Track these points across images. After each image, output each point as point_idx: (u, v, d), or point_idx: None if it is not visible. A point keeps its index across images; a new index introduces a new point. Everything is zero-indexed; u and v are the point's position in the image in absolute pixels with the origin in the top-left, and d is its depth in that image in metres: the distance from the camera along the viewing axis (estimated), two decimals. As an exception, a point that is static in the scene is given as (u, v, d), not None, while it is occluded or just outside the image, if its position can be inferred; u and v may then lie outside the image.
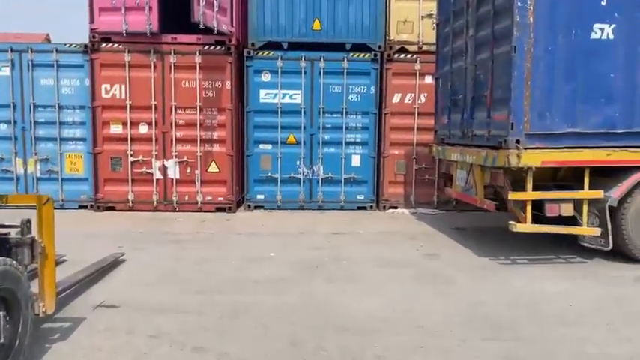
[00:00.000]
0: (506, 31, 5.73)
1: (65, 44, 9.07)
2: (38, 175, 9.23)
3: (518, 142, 5.59)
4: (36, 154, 9.17)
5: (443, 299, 4.79)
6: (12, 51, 8.95)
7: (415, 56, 9.44)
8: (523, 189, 5.74)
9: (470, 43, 6.68)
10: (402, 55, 9.47)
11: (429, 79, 9.46)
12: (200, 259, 6.02)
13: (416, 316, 4.34)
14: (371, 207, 9.65)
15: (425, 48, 9.40)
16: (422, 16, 9.35)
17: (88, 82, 9.01)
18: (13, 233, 3.43)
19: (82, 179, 9.27)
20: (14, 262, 3.07)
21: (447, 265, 5.94)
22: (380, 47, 9.38)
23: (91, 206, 9.19)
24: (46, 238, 3.47)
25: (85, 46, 8.94)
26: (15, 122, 9.10)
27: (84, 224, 8.08)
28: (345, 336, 3.92)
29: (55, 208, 8.77)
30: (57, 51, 9.00)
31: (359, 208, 9.63)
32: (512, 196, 5.75)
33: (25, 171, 9.22)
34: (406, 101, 9.55)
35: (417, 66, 9.42)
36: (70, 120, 9.20)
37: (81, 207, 9.26)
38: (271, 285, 5.06)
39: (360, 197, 9.69)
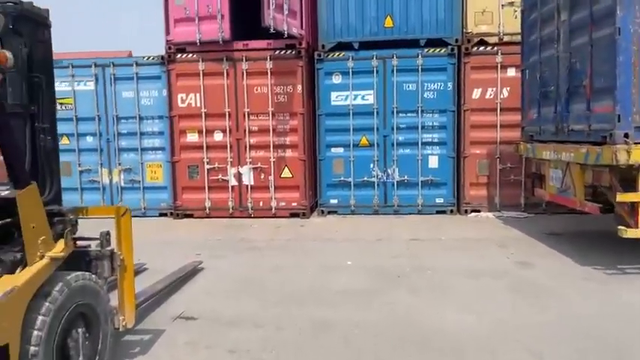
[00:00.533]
0: (608, 11, 5.09)
1: (144, 57, 9.37)
2: (122, 184, 9.59)
3: (626, 135, 4.93)
4: (119, 164, 9.54)
5: (544, 315, 4.28)
6: (95, 66, 9.38)
7: (496, 48, 8.82)
8: (633, 189, 5.05)
9: (562, 28, 6.04)
10: (482, 48, 8.88)
11: (512, 72, 8.81)
12: (276, 267, 5.87)
13: (514, 334, 3.88)
14: (451, 211, 9.12)
15: (506, 39, 8.78)
16: (502, 5, 8.73)
17: (165, 92, 9.24)
18: (93, 246, 3.40)
19: (161, 187, 9.52)
20: (93, 276, 3.03)
21: (545, 275, 5.36)
22: (457, 41, 8.86)
23: (171, 214, 9.41)
24: (125, 250, 3.43)
25: (162, 57, 9.18)
26: (100, 134, 9.52)
27: (163, 232, 8.26)
28: (434, 355, 3.55)
29: (137, 216, 9.08)
30: (136, 64, 9.32)
31: (438, 212, 9.13)
32: (622, 197, 5.07)
33: (110, 181, 9.62)
34: (487, 97, 8.93)
35: (499, 58, 8.79)
36: (149, 130, 9.49)
37: (161, 214, 9.51)
38: (351, 297, 4.78)
39: (439, 200, 9.18)
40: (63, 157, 9.62)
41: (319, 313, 4.41)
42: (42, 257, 2.68)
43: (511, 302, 4.60)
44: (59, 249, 2.82)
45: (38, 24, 3.07)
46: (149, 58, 9.36)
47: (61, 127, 9.48)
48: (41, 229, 2.72)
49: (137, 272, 5.67)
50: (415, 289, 4.96)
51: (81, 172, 9.59)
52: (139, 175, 9.51)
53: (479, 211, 9.08)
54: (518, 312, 4.36)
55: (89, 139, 9.59)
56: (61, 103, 9.50)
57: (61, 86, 9.45)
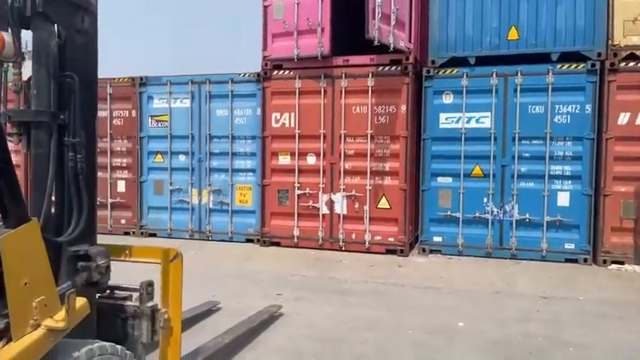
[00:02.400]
0: None
1: (239, 74, 8.94)
2: (211, 206, 9.15)
3: None
4: (210, 184, 9.12)
5: None
6: (192, 83, 9.11)
7: (651, 63, 7.15)
8: None
9: None
10: (632, 64, 7.24)
11: (672, 93, 7.08)
12: (369, 322, 4.81)
13: None
14: (585, 260, 7.43)
15: (665, 52, 7.09)
16: (661, 11, 7.08)
17: (259, 111, 8.69)
18: (133, 299, 2.62)
19: (250, 211, 8.93)
20: (118, 347, 2.21)
21: None
22: (599, 55, 7.31)
23: (257, 240, 8.76)
24: (172, 307, 2.60)
25: (258, 74, 8.67)
26: (192, 153, 9.20)
27: (247, 261, 7.57)
28: None
29: (224, 241, 8.58)
30: (232, 81, 8.90)
31: (567, 261, 7.50)
32: None
33: (199, 202, 9.22)
34: (638, 122, 7.24)
35: (655, 76, 7.10)
36: (241, 150, 8.99)
37: (248, 240, 8.90)
38: (467, 380, 3.58)
39: (570, 246, 7.55)
40: (156, 175, 9.62)
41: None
42: (36, 327, 1.91)
43: None
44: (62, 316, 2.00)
45: (78, 8, 2.40)
46: (245, 75, 8.90)
47: (157, 145, 9.50)
48: (40, 285, 1.95)
49: (210, 312, 4.98)
50: (558, 378, 3.63)
51: (172, 191, 9.32)
52: (228, 198, 9.00)
53: (622, 262, 7.31)
54: None
55: (182, 157, 9.30)
56: (157, 120, 9.38)
57: (159, 103, 9.36)
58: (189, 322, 4.57)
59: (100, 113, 9.69)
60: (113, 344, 2.19)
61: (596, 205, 7.42)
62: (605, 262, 7.35)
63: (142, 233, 9.48)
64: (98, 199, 9.40)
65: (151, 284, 2.58)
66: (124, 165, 9.66)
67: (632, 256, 7.30)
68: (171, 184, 9.30)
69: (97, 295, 2.57)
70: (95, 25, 2.51)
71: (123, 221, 9.67)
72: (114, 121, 9.68)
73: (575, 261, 7.45)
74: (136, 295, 2.60)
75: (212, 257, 7.82)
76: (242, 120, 8.93)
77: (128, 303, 2.58)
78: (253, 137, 8.84)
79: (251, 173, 8.93)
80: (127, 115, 9.59)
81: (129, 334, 2.53)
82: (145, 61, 10.21)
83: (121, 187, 9.67)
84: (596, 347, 4.22)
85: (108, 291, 2.65)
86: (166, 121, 9.31)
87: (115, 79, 9.70)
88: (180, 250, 2.61)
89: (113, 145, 9.71)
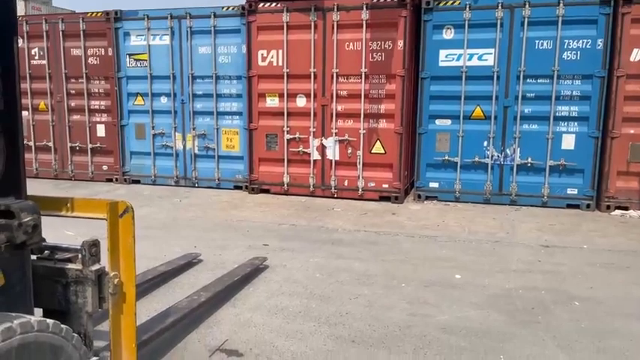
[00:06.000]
0: None
1: (222, 7, 8.19)
2: (196, 151, 8.66)
3: None
4: (194, 128, 8.59)
5: None
6: (171, 17, 8.37)
7: (671, -8, 6.50)
8: None
9: None
10: (650, -7, 6.60)
11: (694, 25, 6.49)
12: (360, 276, 4.48)
13: None
14: (588, 205, 7.10)
15: (688, -20, 6.43)
16: None
17: (244, 48, 8.03)
18: (77, 261, 2.20)
19: (237, 157, 8.46)
20: (53, 324, 1.81)
21: None
22: (615, -17, 6.64)
23: (246, 187, 8.35)
24: (124, 270, 2.20)
25: (242, 7, 7.94)
26: (174, 95, 8.60)
27: (234, 209, 7.19)
28: None
29: (210, 187, 8.17)
30: (214, 15, 8.17)
31: (569, 206, 7.17)
32: None
33: (184, 147, 8.72)
34: (652, 59, 6.69)
35: (675, 6, 6.48)
36: (226, 92, 8.39)
37: (236, 187, 8.49)
38: (469, 344, 3.26)
39: (572, 191, 7.19)
40: (137, 119, 9.05)
41: (418, 366, 2.97)
42: None
43: None
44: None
45: None
46: (228, 8, 8.16)
47: (137, 86, 8.86)
48: None
49: (191, 264, 4.64)
50: (566, 339, 3.32)
51: (154, 135, 8.80)
52: (213, 142, 8.51)
53: (627, 208, 6.99)
54: None
55: (163, 99, 8.71)
56: (136, 59, 8.71)
57: (137, 40, 8.66)
58: (165, 278, 4.25)
59: (74, 52, 9.05)
60: (41, 319, 1.80)
61: (603, 147, 7.00)
62: (608, 207, 7.03)
63: (125, 180, 9.05)
64: (77, 143, 9.20)
65: (95, 244, 2.16)
66: (103, 108, 9.07)
67: (637, 202, 6.98)
68: (153, 128, 8.77)
69: (36, 257, 2.18)
70: None
71: (105, 167, 9.22)
72: (89, 60, 9.00)
73: (577, 207, 7.13)
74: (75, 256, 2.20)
75: (197, 205, 7.45)
76: (226, 58, 8.28)
77: (69, 266, 2.17)
78: (239, 77, 8.23)
79: (237, 116, 8.39)
80: (103, 54, 8.91)
81: (71, 302, 2.15)
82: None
83: (101, 131, 9.14)
84: (603, 301, 3.93)
85: (47, 252, 2.24)
86: (145, 59, 8.64)
87: (87, 13, 8.95)
88: (130, 203, 2.17)
89: (90, 87, 9.08)
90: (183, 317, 3.25)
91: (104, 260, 2.18)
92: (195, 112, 8.56)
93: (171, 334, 3.21)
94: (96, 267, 2.15)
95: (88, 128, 9.12)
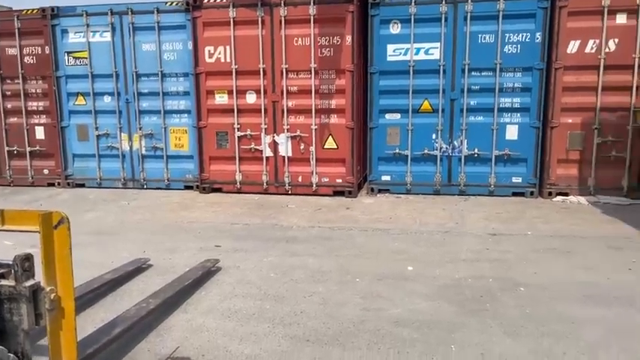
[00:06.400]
0: None
1: (166, 2, 7.95)
2: (143, 152, 8.40)
3: None
4: (140, 128, 8.32)
5: None
6: (112, 13, 8.05)
7: (603, -13, 6.84)
8: None
9: None
10: (584, -12, 6.91)
11: (622, 19, 6.88)
12: (315, 273, 4.47)
13: None
14: (531, 193, 7.40)
15: (618, -25, 6.79)
16: None
17: (190, 45, 7.83)
18: (10, 278, 2.07)
19: (187, 156, 8.27)
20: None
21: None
22: (552, -23, 6.92)
23: (197, 187, 8.18)
24: (61, 284, 2.09)
25: (187, 3, 7.74)
26: (118, 94, 8.29)
27: (184, 210, 7.03)
28: None
29: (160, 189, 7.94)
30: (158, 11, 7.92)
31: (514, 194, 7.45)
32: None
33: (131, 147, 8.44)
34: (587, 51, 7.02)
35: (606, 1, 6.82)
36: (173, 90, 8.17)
37: (186, 187, 8.30)
38: (421, 336, 3.32)
39: (517, 180, 7.47)
40: (79, 120, 8.67)
41: (373, 360, 3.00)
42: None
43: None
44: None
45: None
46: (172, 3, 7.93)
47: (77, 85, 8.48)
48: None
49: (140, 270, 4.50)
50: (513, 325, 3.44)
51: (98, 136, 8.46)
52: (161, 142, 8.27)
53: (567, 194, 7.33)
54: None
55: (107, 99, 8.39)
56: (75, 57, 8.34)
57: (76, 38, 8.28)
58: (113, 285, 4.09)
59: (9, 51, 8.57)
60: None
61: (544, 137, 7.30)
62: (550, 194, 7.34)
63: (68, 184, 8.66)
64: (15, 147, 8.72)
65: (28, 258, 2.04)
66: (41, 109, 8.65)
67: (576, 188, 7.32)
68: (96, 128, 8.43)
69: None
70: None
71: (46, 171, 8.80)
72: (25, 60, 8.54)
73: (522, 194, 7.41)
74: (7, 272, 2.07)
75: (146, 207, 7.23)
76: (172, 55, 8.06)
77: (2, 282, 2.04)
78: (185, 74, 8.03)
79: (186, 115, 8.19)
80: (40, 52, 8.47)
81: (6, 320, 2.02)
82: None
83: (40, 133, 8.70)
84: (547, 286, 4.10)
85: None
86: (86, 57, 8.29)
87: (22, 11, 8.47)
88: (65, 214, 2.06)
89: (27, 87, 8.63)
90: (132, 326, 3.13)
91: (40, 274, 2.06)
92: (142, 111, 8.29)
93: (119, 344, 3.10)
94: (30, 282, 2.04)
95: (25, 131, 8.67)
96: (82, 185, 8.62)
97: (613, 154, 7.12)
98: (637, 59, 6.76)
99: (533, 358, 3.01)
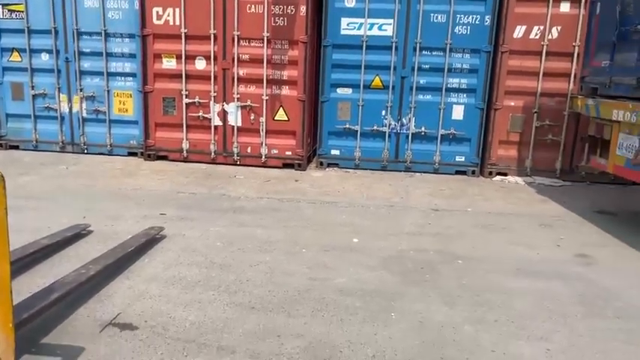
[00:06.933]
0: None
1: (110, -45, 7.50)
2: (84, 114, 8.01)
3: None
4: (81, 90, 7.90)
5: None
6: (50, -36, 7.52)
7: (550, -25, 7.08)
8: None
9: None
10: (532, -27, 7.12)
11: (565, 7, 7.19)
12: (262, 243, 4.48)
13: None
14: (473, 172, 7.69)
15: (564, -36, 7.04)
16: None
17: (137, 4, 7.46)
18: None
19: (131, 122, 7.96)
20: None
21: (617, 276, 4.04)
22: (503, -38, 7.08)
23: (141, 154, 7.91)
24: (-4, 245, 1.99)
25: (134, -42, 7.33)
26: (57, 51, 7.81)
27: (128, 177, 6.80)
28: None
29: (102, 154, 7.64)
30: (101, -35, 7.46)
31: (457, 173, 7.72)
32: None
33: (70, 109, 8.02)
34: (532, 36, 7.28)
35: (552, -11, 7.07)
36: (117, 51, 7.79)
37: (130, 154, 8.02)
38: (364, 304, 3.42)
39: (460, 159, 7.73)
40: (14, 77, 8.11)
41: (317, 330, 3.07)
42: None
43: (594, 327, 3.28)
44: None
45: None
46: (118, -42, 7.49)
47: (12, 40, 7.90)
48: None
49: (79, 235, 4.34)
50: (450, 295, 3.61)
51: (34, 96, 7.99)
52: (104, 105, 7.91)
53: (506, 174, 7.68)
54: (610, 346, 3.05)
55: (44, 56, 7.90)
56: (10, 10, 7.75)
57: (10, -13, 7.68)
58: (50, 251, 3.93)
59: None
60: None
61: (487, 118, 7.56)
62: (490, 173, 7.67)
63: (1, 145, 8.15)
64: None
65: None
66: (-29, 64, 8.02)
67: (515, 168, 7.68)
68: (32, 87, 7.94)
69: None
70: None
71: (-25, 131, 8.22)
72: (-49, 9, 7.84)
73: (464, 173, 7.69)
74: None
75: (86, 173, 6.93)
76: (117, 14, 7.65)
77: None
78: (131, 35, 7.67)
79: (131, 78, 7.86)
80: (-31, 2, 7.79)
81: None
82: None
83: (-31, 90, 8.09)
84: (483, 259, 4.32)
85: None
86: (22, 11, 7.73)
87: (-53, -47, 7.73)
88: (0, 173, 1.95)
89: (-46, 40, 7.95)
90: (70, 292, 3.04)
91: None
92: (83, 72, 7.87)
93: (58, 310, 3.00)
94: (-41, 243, 1.92)
95: (-48, 86, 8.04)
96: (17, 147, 8.14)
97: (549, 138, 7.50)
98: (576, 47, 7.07)
99: (468, 325, 3.18)
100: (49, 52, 7.83)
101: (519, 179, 7.52)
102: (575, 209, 5.97)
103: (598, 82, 5.64)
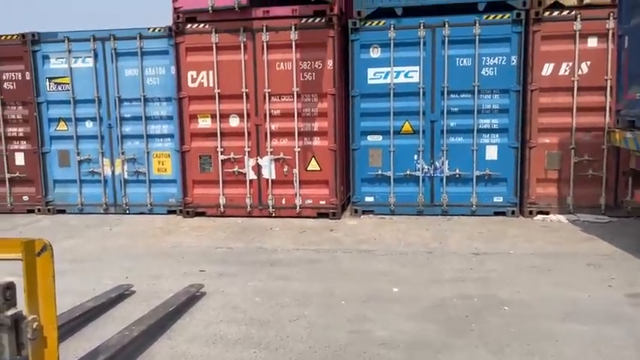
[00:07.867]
0: None
1: (148, 28, 8.01)
2: (126, 176, 8.34)
3: None
4: (123, 153, 8.28)
5: None
6: (94, 39, 8.08)
7: (574, 12, 7.12)
8: None
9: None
10: (556, 13, 7.17)
11: (593, 42, 7.16)
12: (301, 297, 4.46)
13: None
14: (512, 212, 7.51)
15: (587, 0, 7.07)
16: (585, -43, 7.00)
17: (173, 70, 7.88)
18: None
19: (170, 180, 8.23)
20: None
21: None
22: (524, 4, 7.17)
23: (180, 211, 8.12)
24: (44, 312, 2.06)
25: (170, 29, 7.81)
26: (100, 119, 8.27)
27: (168, 235, 6.97)
28: None
29: (143, 214, 7.89)
30: (140, 36, 7.97)
31: (496, 214, 7.55)
32: None
33: (113, 172, 8.38)
34: (561, 73, 7.25)
35: (577, 25, 7.09)
36: (156, 114, 8.18)
37: (169, 212, 8.24)
38: (408, 357, 3.32)
39: (498, 199, 7.59)
40: (60, 145, 8.60)
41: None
42: None
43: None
44: None
45: None
46: (155, 29, 7.99)
47: (58, 111, 8.46)
48: None
49: (122, 296, 4.43)
50: (498, 344, 3.46)
51: (80, 162, 8.39)
52: (144, 167, 8.23)
53: (547, 213, 7.46)
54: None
55: (89, 124, 8.35)
56: (57, 83, 8.31)
57: (57, 63, 8.27)
58: (95, 313, 4.03)
59: (-13, 77, 8.50)
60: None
61: (522, 157, 7.45)
62: (531, 213, 7.47)
63: (48, 210, 8.54)
64: None
65: (9, 287, 2.01)
66: (21, 135, 8.55)
67: (556, 206, 7.46)
68: (78, 154, 8.36)
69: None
70: None
71: (25, 198, 8.65)
72: (4, 85, 8.47)
73: (503, 213, 7.52)
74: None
75: (128, 233, 7.15)
76: (154, 80, 8.09)
77: (-18, 313, 2.01)
78: (168, 99, 8.06)
79: (169, 139, 8.19)
80: (20, 78, 8.41)
81: (-15, 352, 1.99)
82: (37, 16, 8.93)
83: (20, 159, 8.58)
84: (529, 304, 4.15)
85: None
86: (67, 83, 8.27)
87: (2, 36, 8.44)
88: (48, 241, 2.05)
89: (6, 113, 8.54)
90: (114, 355, 3.08)
91: (22, 302, 2.03)
92: (124, 136, 8.27)
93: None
94: (12, 311, 2.00)
95: (5, 157, 8.55)
96: (63, 211, 8.50)
97: (590, 173, 7.30)
98: (609, 81, 6.98)
99: (518, 377, 3.04)
100: (93, 119, 8.29)
101: (562, 217, 7.29)
102: (624, 246, 5.70)
103: (634, 115, 5.51)
